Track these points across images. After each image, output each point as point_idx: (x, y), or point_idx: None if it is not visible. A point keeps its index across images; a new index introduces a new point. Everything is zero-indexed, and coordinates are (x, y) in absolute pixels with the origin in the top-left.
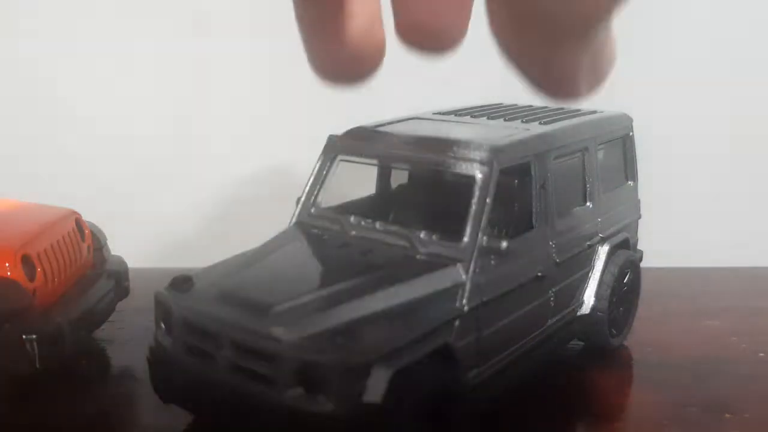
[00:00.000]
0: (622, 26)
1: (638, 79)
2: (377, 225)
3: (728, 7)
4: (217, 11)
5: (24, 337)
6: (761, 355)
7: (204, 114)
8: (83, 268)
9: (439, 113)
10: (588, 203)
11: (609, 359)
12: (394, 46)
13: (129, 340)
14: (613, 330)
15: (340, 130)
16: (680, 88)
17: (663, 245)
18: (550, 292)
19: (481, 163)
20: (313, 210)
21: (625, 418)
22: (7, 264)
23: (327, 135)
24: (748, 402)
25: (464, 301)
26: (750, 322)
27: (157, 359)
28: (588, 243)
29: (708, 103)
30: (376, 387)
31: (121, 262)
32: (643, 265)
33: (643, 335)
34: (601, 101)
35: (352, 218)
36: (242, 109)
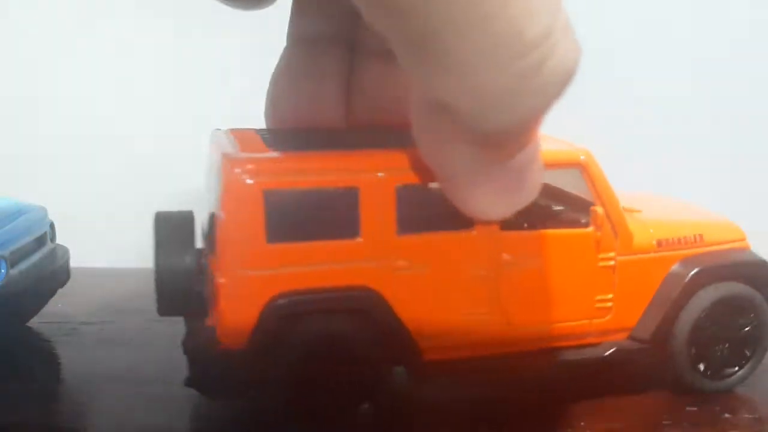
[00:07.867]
0: None
1: None
2: None
3: None
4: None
5: None
6: None
7: (194, 114)
8: None
9: None
10: None
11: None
12: None
13: (130, 339)
14: None
15: None
16: None
17: None
18: None
19: None
20: None
21: (625, 418)
22: None
23: None
24: (748, 402)
25: None
26: None
27: None
28: None
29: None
30: None
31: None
32: None
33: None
34: None
35: None
36: (238, 109)
